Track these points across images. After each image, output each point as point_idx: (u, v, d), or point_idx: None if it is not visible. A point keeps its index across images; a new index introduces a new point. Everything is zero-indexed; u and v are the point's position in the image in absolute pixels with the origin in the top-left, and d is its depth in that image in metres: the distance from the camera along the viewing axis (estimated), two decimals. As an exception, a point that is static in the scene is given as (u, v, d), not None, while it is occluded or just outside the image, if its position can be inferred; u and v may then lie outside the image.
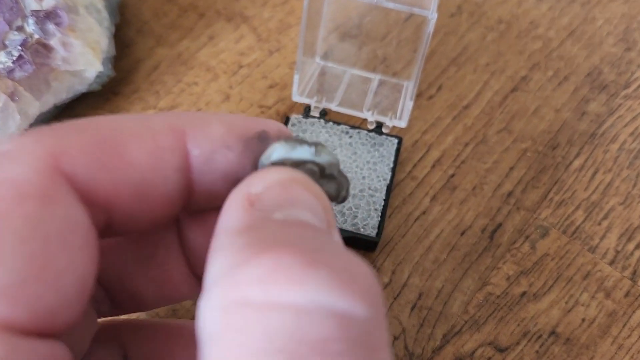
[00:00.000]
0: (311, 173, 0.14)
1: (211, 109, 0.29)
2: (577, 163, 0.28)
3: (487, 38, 0.32)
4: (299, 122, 0.27)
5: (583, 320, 0.24)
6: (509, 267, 0.25)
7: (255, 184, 0.13)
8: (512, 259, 0.26)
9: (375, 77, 0.29)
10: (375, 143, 0.27)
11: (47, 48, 0.25)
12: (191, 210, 0.15)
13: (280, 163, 0.14)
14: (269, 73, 0.30)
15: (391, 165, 0.26)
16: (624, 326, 0.24)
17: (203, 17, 0.32)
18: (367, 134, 0.27)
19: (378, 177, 0.26)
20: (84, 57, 0.26)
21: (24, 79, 0.24)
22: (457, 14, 0.32)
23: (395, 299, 0.24)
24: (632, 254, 0.26)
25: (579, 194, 0.27)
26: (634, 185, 0.28)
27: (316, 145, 0.14)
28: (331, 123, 0.27)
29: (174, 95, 0.29)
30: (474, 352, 0.23)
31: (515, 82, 0.30)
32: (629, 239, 0.26)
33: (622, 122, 0.30)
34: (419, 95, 0.30)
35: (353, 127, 0.27)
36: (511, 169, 0.28)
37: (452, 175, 0.27)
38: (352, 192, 0.25)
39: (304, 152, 0.14)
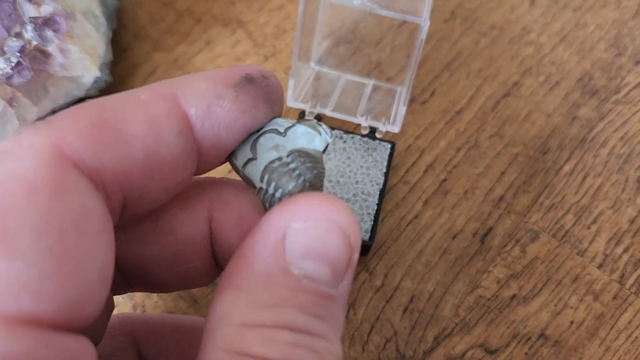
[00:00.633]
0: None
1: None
2: (567, 167, 0.29)
3: (480, 44, 0.32)
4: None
5: (572, 322, 0.25)
6: (499, 271, 0.26)
7: (297, 218, 0.13)
8: (503, 263, 0.26)
9: (370, 83, 0.30)
10: (368, 148, 0.27)
11: (45, 54, 0.25)
12: (205, 170, 0.15)
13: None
14: (264, 78, 0.30)
15: (384, 170, 0.27)
16: (611, 328, 0.25)
17: (199, 22, 0.32)
18: (360, 139, 0.27)
19: (371, 181, 0.26)
20: (82, 63, 0.26)
21: (22, 85, 0.25)
22: (450, 19, 0.33)
23: (387, 302, 0.25)
24: (620, 257, 0.26)
25: (569, 198, 0.28)
26: (623, 190, 0.28)
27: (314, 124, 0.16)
28: (325, 128, 0.28)
29: (170, 99, 0.29)
30: (464, 354, 0.24)
31: (507, 88, 0.31)
32: (617, 243, 0.27)
33: (612, 127, 0.30)
34: (412, 101, 0.30)
35: (347, 132, 0.28)
36: (502, 173, 0.28)
37: (444, 180, 0.28)
38: (345, 196, 0.26)
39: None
